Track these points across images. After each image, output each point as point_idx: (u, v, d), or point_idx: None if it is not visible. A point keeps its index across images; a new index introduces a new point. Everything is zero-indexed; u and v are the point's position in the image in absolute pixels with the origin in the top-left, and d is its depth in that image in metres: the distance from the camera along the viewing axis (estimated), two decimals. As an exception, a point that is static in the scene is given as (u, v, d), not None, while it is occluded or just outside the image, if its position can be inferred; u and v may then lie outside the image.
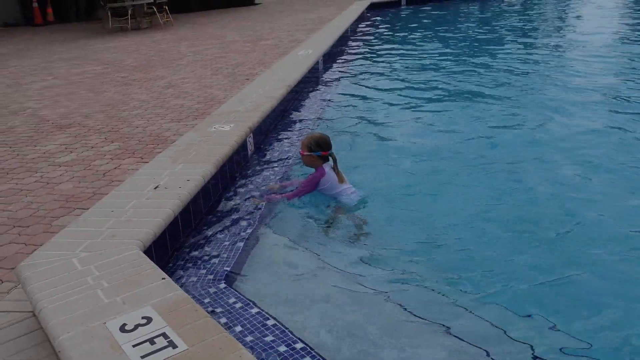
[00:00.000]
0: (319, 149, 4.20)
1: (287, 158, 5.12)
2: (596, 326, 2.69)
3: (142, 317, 2.30)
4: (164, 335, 2.18)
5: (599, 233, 3.56)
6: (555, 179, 4.40)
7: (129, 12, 16.30)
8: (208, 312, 2.70)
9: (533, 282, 3.08)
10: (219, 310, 2.86)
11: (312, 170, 4.29)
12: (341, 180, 4.20)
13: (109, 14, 16.27)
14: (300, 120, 6.33)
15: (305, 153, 4.23)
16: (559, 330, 2.66)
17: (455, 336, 2.62)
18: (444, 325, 2.70)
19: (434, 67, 8.91)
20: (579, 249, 3.38)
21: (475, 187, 4.37)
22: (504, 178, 4.48)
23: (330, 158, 4.23)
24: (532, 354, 2.50)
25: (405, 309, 2.84)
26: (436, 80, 7.92)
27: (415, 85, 7.79)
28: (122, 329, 2.23)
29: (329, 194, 4.20)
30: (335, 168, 4.23)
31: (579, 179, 4.41)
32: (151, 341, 2.15)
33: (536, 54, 9.79)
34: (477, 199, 4.14)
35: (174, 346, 2.11)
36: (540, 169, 4.60)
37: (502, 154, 5.00)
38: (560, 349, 2.53)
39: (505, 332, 2.65)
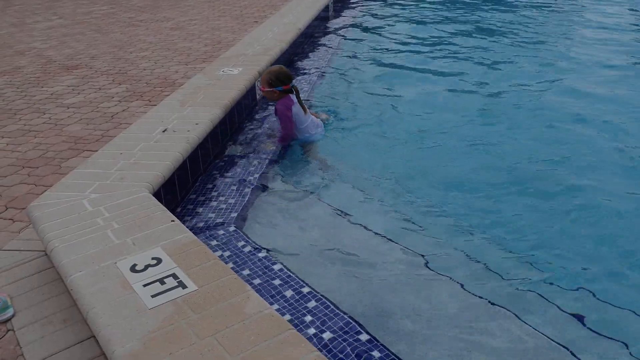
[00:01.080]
0: (280, 84, 4.14)
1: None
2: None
3: (152, 258, 2.33)
4: (174, 275, 2.22)
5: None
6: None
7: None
8: (217, 254, 2.74)
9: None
10: (227, 253, 2.89)
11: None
12: (305, 112, 4.20)
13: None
14: (308, 68, 6.23)
15: (267, 89, 4.16)
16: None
17: (468, 291, 2.64)
18: (455, 281, 2.72)
19: (450, 14, 8.65)
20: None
21: (484, 143, 4.31)
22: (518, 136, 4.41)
23: (293, 90, 4.18)
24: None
25: (415, 258, 2.86)
26: (450, 28, 7.70)
27: (429, 32, 7.59)
28: (133, 269, 2.27)
29: (298, 130, 4.19)
30: (298, 100, 4.19)
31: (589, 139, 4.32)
32: (161, 281, 2.19)
33: (545, 14, 9.48)
34: (484, 155, 4.10)
35: (184, 286, 2.15)
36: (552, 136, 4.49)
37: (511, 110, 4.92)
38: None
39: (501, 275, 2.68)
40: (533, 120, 4.59)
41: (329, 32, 7.77)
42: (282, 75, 4.17)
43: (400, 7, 9.39)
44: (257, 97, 5.09)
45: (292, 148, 4.19)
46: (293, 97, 4.19)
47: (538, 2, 9.19)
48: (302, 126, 4.20)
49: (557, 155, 3.97)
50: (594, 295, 2.57)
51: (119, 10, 9.83)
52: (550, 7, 8.89)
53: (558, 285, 2.63)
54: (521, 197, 3.44)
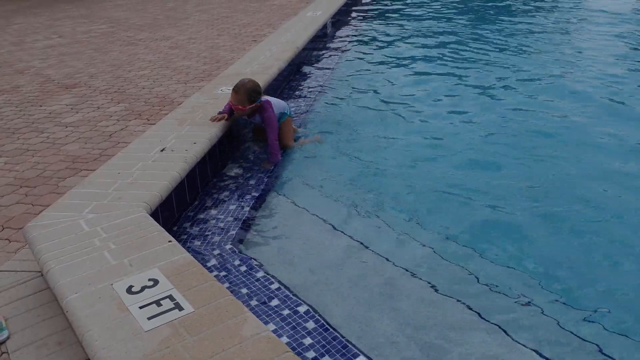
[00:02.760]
0: (259, 95, 4.19)
1: (294, 121, 5.07)
2: None
3: (149, 279, 2.32)
4: (171, 297, 2.20)
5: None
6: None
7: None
8: (213, 275, 2.73)
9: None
10: (223, 273, 2.88)
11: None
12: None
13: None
14: (307, 84, 6.26)
15: (247, 107, 4.12)
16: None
17: (467, 306, 2.63)
18: (452, 298, 2.71)
19: (448, 31, 8.72)
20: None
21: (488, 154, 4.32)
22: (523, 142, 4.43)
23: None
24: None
25: (415, 277, 2.84)
26: (450, 45, 7.76)
27: (427, 49, 7.64)
28: (129, 290, 2.25)
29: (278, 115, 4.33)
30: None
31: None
32: (157, 303, 2.17)
33: (552, 17, 9.58)
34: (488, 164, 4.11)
35: (180, 308, 2.13)
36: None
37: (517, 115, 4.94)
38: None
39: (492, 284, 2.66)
40: (537, 134, 4.60)
41: (328, 50, 7.82)
42: (257, 86, 4.19)
43: (399, 24, 9.47)
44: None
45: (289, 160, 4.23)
46: (264, 97, 4.30)
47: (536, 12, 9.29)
48: (280, 111, 4.39)
49: (551, 167, 3.98)
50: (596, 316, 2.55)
51: (118, 29, 9.90)
52: (550, 16, 8.97)
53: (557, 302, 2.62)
54: (536, 219, 3.38)
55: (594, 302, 2.64)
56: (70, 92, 6.04)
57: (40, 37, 9.51)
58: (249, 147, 4.58)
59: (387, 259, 2.99)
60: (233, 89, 4.14)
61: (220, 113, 4.27)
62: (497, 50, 7.34)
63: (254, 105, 4.16)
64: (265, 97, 4.31)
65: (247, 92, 4.12)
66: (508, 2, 11.10)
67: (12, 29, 10.57)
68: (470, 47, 7.58)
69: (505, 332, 2.43)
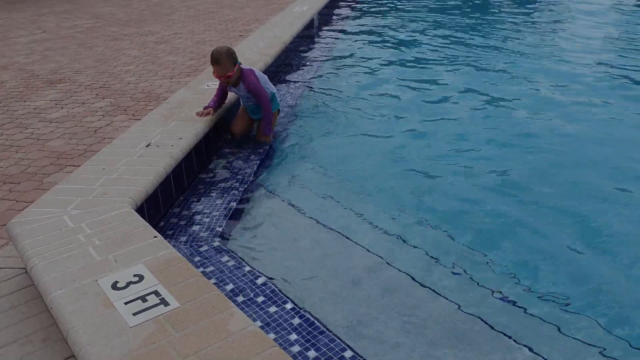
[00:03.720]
0: (236, 57, 4.19)
1: (281, 116, 5.06)
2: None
3: (134, 275, 2.30)
4: (156, 292, 2.19)
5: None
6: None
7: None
8: (200, 271, 2.72)
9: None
10: (210, 269, 2.87)
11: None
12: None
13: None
14: (294, 80, 6.24)
15: (233, 69, 4.13)
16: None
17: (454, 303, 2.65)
18: (444, 297, 2.72)
19: (435, 25, 8.74)
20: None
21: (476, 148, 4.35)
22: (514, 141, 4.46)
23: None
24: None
25: (402, 273, 2.85)
26: (437, 40, 7.78)
27: (416, 43, 7.66)
28: (114, 286, 2.24)
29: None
30: None
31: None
32: (143, 299, 2.16)
33: (542, 15, 9.64)
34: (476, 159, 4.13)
35: (166, 304, 2.13)
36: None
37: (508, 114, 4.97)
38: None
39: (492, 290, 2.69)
40: (533, 137, 4.60)
41: (314, 46, 7.81)
42: (231, 49, 4.18)
43: (386, 18, 9.48)
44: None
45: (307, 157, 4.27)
46: (243, 65, 4.30)
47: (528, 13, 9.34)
48: (267, 84, 4.41)
49: (544, 167, 4.01)
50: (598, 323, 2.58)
51: (103, 24, 9.81)
52: (545, 17, 9.02)
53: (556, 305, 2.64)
54: (532, 226, 3.34)
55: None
56: (54, 88, 5.98)
57: (24, 33, 9.39)
58: (236, 142, 4.56)
59: (374, 254, 3.00)
60: (213, 63, 4.10)
61: (205, 108, 4.26)
62: (490, 45, 7.38)
63: (237, 66, 4.16)
64: (247, 66, 4.35)
65: (226, 55, 4.11)
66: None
67: (-5, 24, 10.42)
68: (460, 41, 7.61)
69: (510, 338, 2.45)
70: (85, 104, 5.36)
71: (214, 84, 5.00)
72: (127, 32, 8.91)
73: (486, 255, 2.97)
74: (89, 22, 10.13)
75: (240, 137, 4.56)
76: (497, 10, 9.92)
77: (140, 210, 3.01)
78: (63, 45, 8.19)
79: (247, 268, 2.87)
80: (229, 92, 4.47)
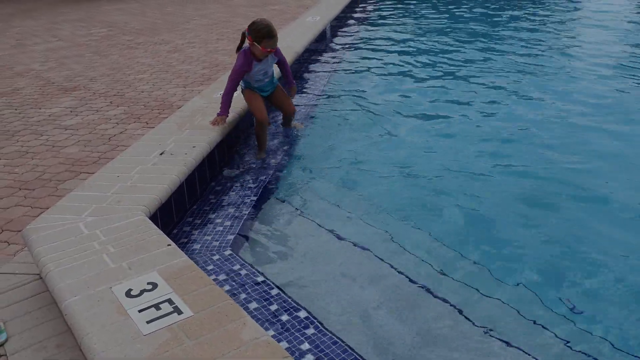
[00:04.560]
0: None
1: (293, 126, 5.08)
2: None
3: (148, 283, 2.32)
4: (170, 301, 2.20)
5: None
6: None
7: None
8: (212, 279, 2.73)
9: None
10: (222, 277, 2.88)
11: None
12: None
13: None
14: (306, 89, 6.27)
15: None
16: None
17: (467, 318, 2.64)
18: (458, 308, 2.71)
19: (448, 35, 8.75)
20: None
21: (485, 162, 4.34)
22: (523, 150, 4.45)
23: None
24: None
25: (416, 285, 2.84)
26: (449, 50, 7.79)
27: (426, 53, 7.67)
28: (128, 294, 2.25)
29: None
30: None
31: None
32: (157, 307, 2.17)
33: (553, 22, 9.62)
34: (487, 174, 4.12)
35: (179, 312, 2.13)
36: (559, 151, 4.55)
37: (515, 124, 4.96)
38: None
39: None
40: (540, 138, 4.61)
41: (326, 55, 7.84)
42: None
43: (397, 29, 9.50)
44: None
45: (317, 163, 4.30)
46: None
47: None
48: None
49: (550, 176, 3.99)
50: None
51: (117, 32, 9.91)
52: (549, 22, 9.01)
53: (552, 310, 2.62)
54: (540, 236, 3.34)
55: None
56: (70, 95, 6.05)
57: (40, 40, 9.52)
58: (248, 151, 4.58)
59: (389, 264, 2.98)
60: (276, 36, 4.14)
61: (218, 115, 4.27)
62: (500, 53, 7.37)
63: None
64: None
65: (259, 27, 4.11)
66: (514, 6, 11.16)
67: (12, 32, 10.58)
68: (471, 51, 7.61)
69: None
70: (99, 112, 5.41)
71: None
72: (141, 41, 9.00)
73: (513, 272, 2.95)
74: (103, 30, 10.25)
75: (269, 122, 4.60)
76: (514, 18, 9.91)
77: (154, 218, 3.03)
78: (78, 53, 8.29)
79: (260, 277, 2.87)
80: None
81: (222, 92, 4.27)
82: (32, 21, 11.82)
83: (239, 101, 4.68)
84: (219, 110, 4.27)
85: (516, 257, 3.06)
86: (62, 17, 12.15)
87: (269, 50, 4.15)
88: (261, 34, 4.08)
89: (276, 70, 4.71)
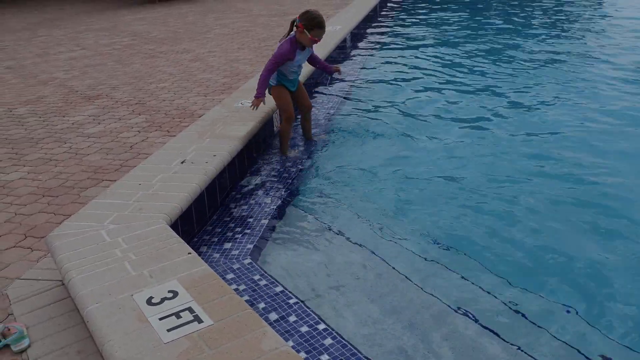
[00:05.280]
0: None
1: (315, 133, 5.09)
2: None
3: (169, 291, 2.33)
4: (190, 309, 2.21)
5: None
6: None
7: (157, -17, 16.28)
8: (232, 288, 2.73)
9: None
10: (242, 287, 2.88)
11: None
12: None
13: (137, -16, 16.28)
14: (327, 97, 6.29)
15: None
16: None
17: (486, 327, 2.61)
18: (471, 317, 2.68)
19: (466, 47, 8.72)
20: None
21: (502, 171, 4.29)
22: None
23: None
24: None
25: (436, 298, 2.82)
26: (468, 62, 7.75)
27: (447, 63, 7.65)
28: (149, 301, 2.27)
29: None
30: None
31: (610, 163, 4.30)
32: (177, 315, 2.18)
33: (573, 32, 9.53)
34: (503, 181, 4.08)
35: (200, 321, 2.14)
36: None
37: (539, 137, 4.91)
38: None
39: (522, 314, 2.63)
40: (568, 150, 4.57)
41: (347, 63, 7.86)
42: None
43: (417, 38, 9.49)
44: (275, 128, 5.14)
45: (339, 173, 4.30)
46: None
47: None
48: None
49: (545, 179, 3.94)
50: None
51: (139, 42, 10.05)
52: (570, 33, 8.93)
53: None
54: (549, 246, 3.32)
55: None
56: (92, 103, 6.14)
57: (64, 49, 9.69)
58: (268, 161, 4.60)
59: (407, 278, 2.96)
60: (324, 28, 4.34)
61: (256, 97, 4.46)
62: (526, 64, 7.32)
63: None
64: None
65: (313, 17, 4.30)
66: (540, 17, 11.08)
67: (37, 41, 10.78)
68: (493, 60, 7.57)
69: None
70: (121, 120, 5.48)
71: (248, 102, 5.06)
72: (162, 50, 9.11)
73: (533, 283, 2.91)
74: (125, 39, 10.40)
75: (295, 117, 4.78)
76: (541, 26, 9.84)
77: (174, 226, 3.05)
78: (101, 62, 8.41)
79: (279, 287, 2.87)
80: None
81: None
82: (57, 30, 12.05)
83: (259, 112, 4.71)
84: (255, 92, 4.46)
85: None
86: (85, 27, 12.36)
87: (317, 39, 4.34)
88: (314, 23, 4.27)
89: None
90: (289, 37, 4.46)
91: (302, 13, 4.34)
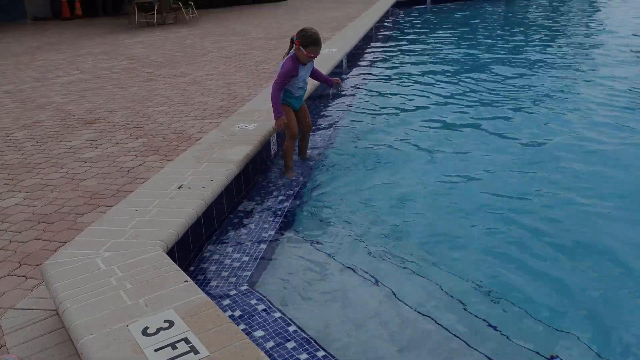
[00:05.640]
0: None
1: (310, 158, 5.08)
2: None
3: (164, 321, 2.29)
4: (186, 340, 2.17)
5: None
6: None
7: (155, 7, 16.43)
8: (229, 315, 2.70)
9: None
10: (239, 313, 2.84)
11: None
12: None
13: (136, 8, 16.44)
14: (324, 120, 6.30)
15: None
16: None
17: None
18: (470, 346, 2.64)
19: (459, 69, 8.78)
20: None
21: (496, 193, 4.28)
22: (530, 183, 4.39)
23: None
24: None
25: (435, 323, 2.78)
26: (462, 86, 7.79)
27: (442, 87, 7.69)
28: (145, 332, 2.23)
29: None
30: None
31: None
32: (173, 346, 2.14)
33: (561, 53, 9.61)
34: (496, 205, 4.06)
35: (196, 352, 2.10)
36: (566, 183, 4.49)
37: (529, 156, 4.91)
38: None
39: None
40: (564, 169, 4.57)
41: (343, 87, 7.89)
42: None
43: (416, 62, 9.56)
44: (272, 152, 5.13)
45: (338, 200, 4.26)
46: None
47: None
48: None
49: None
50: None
51: (138, 65, 10.10)
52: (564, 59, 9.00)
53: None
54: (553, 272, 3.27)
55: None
56: (90, 128, 6.13)
57: (62, 73, 9.73)
58: (265, 184, 4.58)
59: (414, 309, 2.90)
60: (321, 44, 4.48)
61: (277, 118, 4.53)
62: (516, 88, 7.36)
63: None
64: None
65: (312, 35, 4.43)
66: (529, 40, 11.18)
67: (36, 65, 10.83)
68: (488, 84, 7.60)
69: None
70: (119, 144, 5.47)
71: (245, 125, 5.07)
72: (160, 73, 9.15)
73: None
74: (124, 63, 10.45)
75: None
76: (537, 49, 9.92)
77: (171, 252, 3.02)
78: (99, 86, 8.44)
79: (277, 314, 2.83)
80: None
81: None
82: (56, 54, 12.11)
83: (257, 135, 4.71)
84: (274, 115, 4.56)
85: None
86: (85, 50, 12.43)
87: (312, 55, 4.47)
88: (309, 40, 4.41)
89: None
90: (289, 54, 4.58)
91: (298, 31, 4.47)
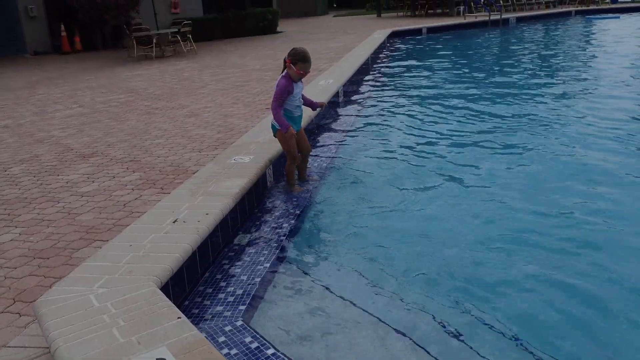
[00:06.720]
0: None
1: (305, 190, 5.10)
2: None
3: (157, 359, 2.27)
4: (178, 378, 2.15)
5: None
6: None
7: (154, 40, 16.66)
8: (223, 353, 2.69)
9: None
10: (234, 351, 2.82)
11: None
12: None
13: (135, 42, 16.67)
14: (320, 150, 6.34)
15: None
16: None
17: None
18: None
19: (456, 99, 8.87)
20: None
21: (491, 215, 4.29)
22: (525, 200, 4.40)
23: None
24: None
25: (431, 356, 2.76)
26: (460, 110, 7.87)
27: (439, 115, 7.76)
28: (136, 371, 2.21)
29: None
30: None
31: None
32: (165, 385, 2.12)
33: (556, 81, 9.73)
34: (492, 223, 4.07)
35: (188, 391, 2.08)
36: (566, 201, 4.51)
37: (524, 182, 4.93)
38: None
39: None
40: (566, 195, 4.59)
41: (339, 117, 7.96)
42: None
43: (411, 91, 9.66)
44: (268, 184, 5.15)
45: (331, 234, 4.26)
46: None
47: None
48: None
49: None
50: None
51: (136, 98, 10.20)
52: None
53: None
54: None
55: None
56: (87, 162, 6.17)
57: (61, 107, 9.82)
58: (260, 217, 4.59)
59: (416, 343, 2.88)
60: (309, 61, 4.77)
61: (286, 130, 4.77)
62: (509, 113, 7.43)
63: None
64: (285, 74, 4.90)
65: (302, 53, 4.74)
66: (521, 65, 11.32)
67: (35, 99, 10.93)
68: (485, 111, 7.68)
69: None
70: (115, 178, 5.50)
71: (241, 158, 5.11)
72: (158, 106, 9.24)
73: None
74: (122, 96, 10.55)
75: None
76: (531, 75, 10.04)
77: (165, 288, 3.01)
78: (97, 119, 8.51)
79: (271, 350, 2.81)
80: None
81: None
82: (55, 88, 12.23)
83: (252, 168, 4.73)
84: (281, 128, 4.81)
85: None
86: (84, 84, 12.56)
87: (302, 72, 4.77)
88: (298, 57, 4.72)
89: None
90: (282, 74, 4.88)
91: (290, 50, 4.80)
